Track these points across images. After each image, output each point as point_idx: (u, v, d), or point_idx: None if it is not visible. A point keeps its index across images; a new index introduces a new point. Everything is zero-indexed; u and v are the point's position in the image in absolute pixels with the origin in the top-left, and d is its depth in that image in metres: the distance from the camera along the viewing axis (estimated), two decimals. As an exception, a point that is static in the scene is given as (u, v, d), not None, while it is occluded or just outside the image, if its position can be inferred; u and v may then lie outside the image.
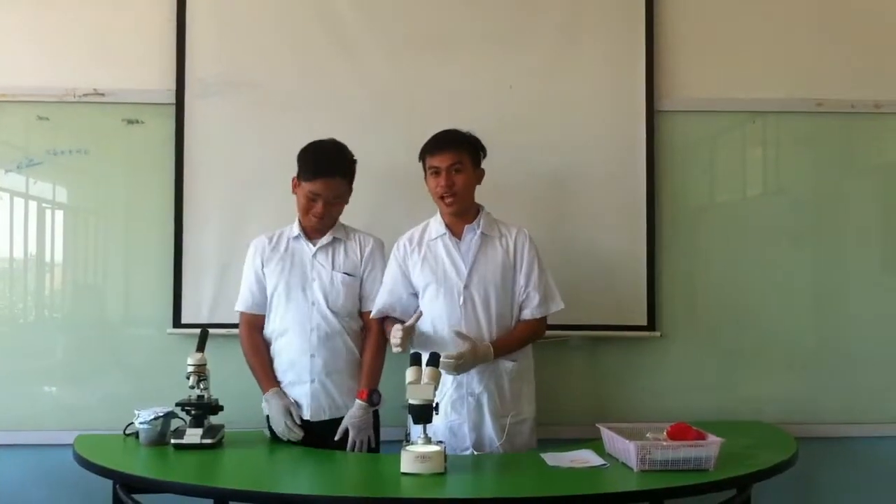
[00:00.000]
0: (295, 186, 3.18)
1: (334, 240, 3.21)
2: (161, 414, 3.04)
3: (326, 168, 3.10)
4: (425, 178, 3.18)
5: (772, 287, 3.73)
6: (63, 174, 3.64)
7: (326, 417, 3.15)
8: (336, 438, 3.07)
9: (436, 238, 3.18)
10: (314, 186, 3.10)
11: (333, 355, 3.16)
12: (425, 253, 3.16)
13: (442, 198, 3.11)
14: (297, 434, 3.10)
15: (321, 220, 3.15)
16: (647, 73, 3.68)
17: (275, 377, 3.20)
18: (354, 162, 3.19)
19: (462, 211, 3.15)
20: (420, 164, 3.18)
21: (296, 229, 3.23)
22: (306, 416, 3.15)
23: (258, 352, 3.23)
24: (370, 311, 3.19)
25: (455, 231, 3.17)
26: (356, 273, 3.20)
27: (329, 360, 3.15)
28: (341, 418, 3.12)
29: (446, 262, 3.14)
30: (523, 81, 3.65)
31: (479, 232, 3.15)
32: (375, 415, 3.19)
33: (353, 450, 3.07)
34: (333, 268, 3.19)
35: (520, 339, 3.15)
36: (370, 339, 3.20)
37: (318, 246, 3.20)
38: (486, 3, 3.68)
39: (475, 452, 3.05)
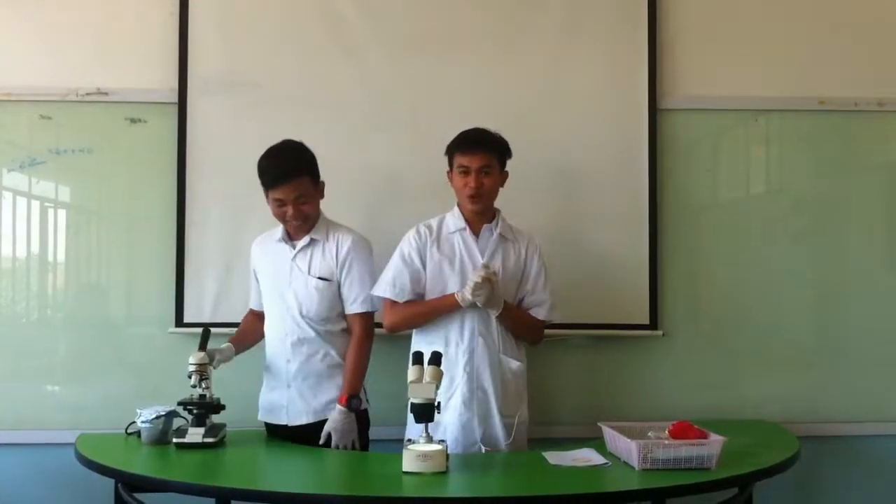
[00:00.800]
0: (268, 201, 3.16)
1: (312, 241, 3.18)
2: (163, 413, 3.04)
3: (280, 174, 3.06)
4: (448, 172, 3.20)
5: (774, 286, 3.73)
6: (66, 173, 3.65)
7: (306, 421, 3.14)
8: (320, 443, 3.07)
9: (454, 231, 3.18)
10: (276, 193, 3.08)
11: (308, 360, 3.15)
12: (443, 244, 3.17)
13: (469, 197, 3.12)
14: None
15: (300, 224, 3.14)
16: (650, 72, 3.68)
17: (239, 342, 3.26)
18: (311, 156, 3.14)
19: (483, 210, 3.17)
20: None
21: (280, 232, 3.22)
22: (284, 420, 3.16)
23: (245, 326, 3.34)
24: (354, 314, 3.17)
25: (473, 228, 3.18)
26: (332, 277, 3.16)
27: (304, 365, 3.14)
28: (324, 421, 3.11)
29: (464, 253, 3.15)
30: (525, 80, 3.65)
31: (497, 232, 3.17)
32: (365, 415, 3.19)
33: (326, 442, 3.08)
34: (309, 272, 3.16)
35: (525, 320, 3.17)
36: (353, 342, 3.16)
37: (297, 249, 3.18)
38: (488, 2, 3.68)
39: (483, 448, 3.05)
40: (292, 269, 3.17)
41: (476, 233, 3.18)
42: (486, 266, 3.03)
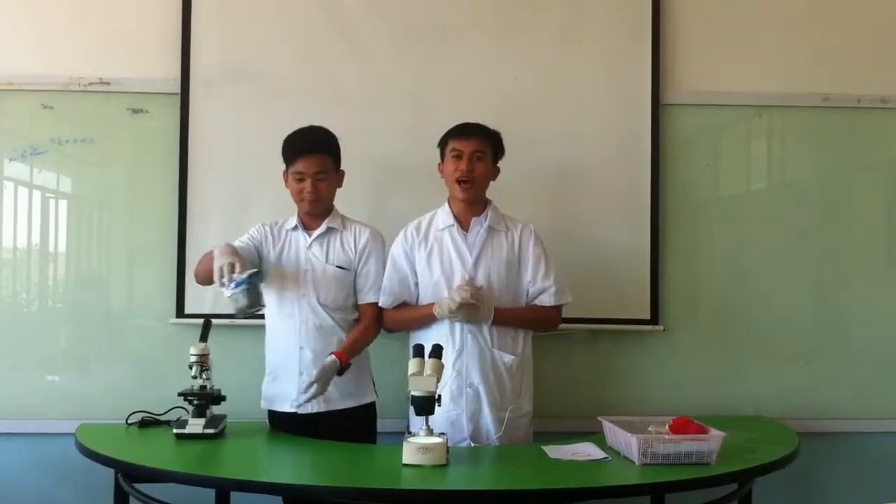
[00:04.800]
0: (286, 181, 3.19)
1: (329, 230, 3.20)
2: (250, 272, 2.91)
3: (305, 146, 3.13)
4: (440, 164, 3.20)
5: (775, 282, 3.73)
6: (67, 163, 3.64)
7: (314, 410, 3.13)
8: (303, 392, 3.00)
9: (443, 229, 3.19)
10: (297, 166, 3.12)
11: (324, 348, 3.13)
12: (432, 243, 3.17)
13: (458, 182, 3.12)
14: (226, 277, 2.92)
15: (314, 201, 3.15)
16: (653, 66, 3.67)
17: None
18: (336, 141, 3.19)
19: (473, 199, 3.16)
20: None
21: (293, 220, 3.23)
22: (292, 408, 3.15)
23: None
24: (366, 303, 3.18)
25: (463, 223, 3.18)
26: (350, 266, 3.18)
27: (319, 353, 3.13)
28: (332, 412, 3.12)
29: (452, 253, 3.14)
30: (528, 73, 3.64)
31: (486, 225, 3.15)
32: (373, 408, 3.20)
33: (306, 390, 2.99)
34: (327, 261, 3.17)
35: (527, 317, 3.16)
36: (363, 321, 3.17)
37: (313, 237, 3.19)
38: (491, -7, 3.67)
39: (472, 444, 3.05)
40: (308, 258, 3.18)
41: (466, 228, 3.17)
42: (463, 287, 3.01)
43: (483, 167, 3.13)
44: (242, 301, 2.93)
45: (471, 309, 3.00)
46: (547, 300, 3.16)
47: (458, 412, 3.08)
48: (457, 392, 3.08)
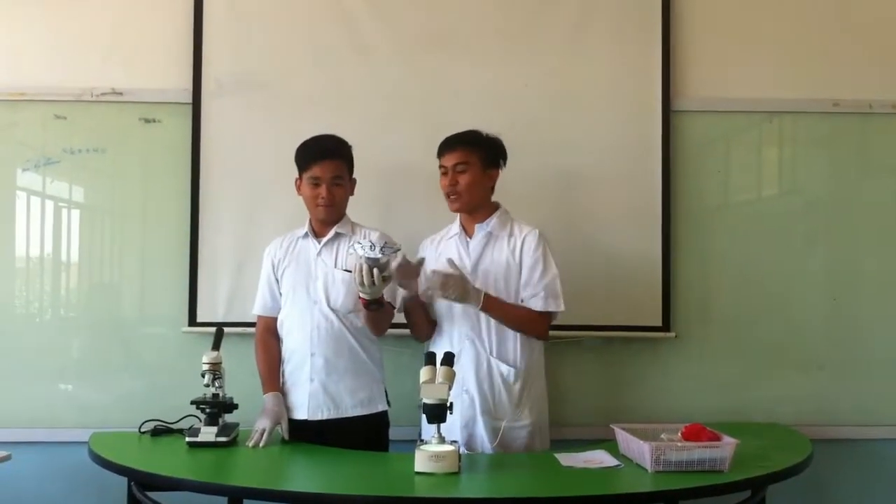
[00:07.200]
0: (299, 188, 3.20)
1: (337, 235, 3.20)
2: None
3: (322, 151, 3.15)
4: None
5: (787, 288, 3.72)
6: (80, 173, 3.67)
7: (324, 417, 3.14)
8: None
9: (451, 237, 3.21)
10: (312, 171, 3.13)
11: (335, 354, 3.14)
12: (440, 252, 3.19)
13: (447, 196, 3.14)
14: (265, 441, 3.04)
15: (328, 206, 3.15)
16: (663, 73, 3.67)
17: (277, 382, 3.20)
18: (350, 148, 3.21)
19: (469, 210, 3.17)
20: (434, 163, 3.20)
21: (304, 228, 3.24)
22: (304, 415, 3.15)
23: (267, 353, 3.23)
24: None
25: (468, 230, 3.19)
26: None
27: (330, 359, 3.14)
28: (342, 419, 3.13)
29: (455, 259, 3.14)
30: (538, 80, 3.64)
31: (487, 230, 3.15)
32: (385, 417, 3.21)
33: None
34: (335, 265, 3.18)
35: (515, 313, 3.08)
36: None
37: (322, 244, 3.20)
38: (500, 1, 3.68)
39: (465, 451, 3.03)
40: (318, 264, 3.19)
41: (470, 235, 3.18)
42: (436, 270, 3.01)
43: (468, 177, 3.11)
44: (372, 262, 2.85)
45: (453, 281, 2.95)
46: (535, 305, 3.09)
47: (453, 418, 3.04)
48: (453, 397, 3.06)
